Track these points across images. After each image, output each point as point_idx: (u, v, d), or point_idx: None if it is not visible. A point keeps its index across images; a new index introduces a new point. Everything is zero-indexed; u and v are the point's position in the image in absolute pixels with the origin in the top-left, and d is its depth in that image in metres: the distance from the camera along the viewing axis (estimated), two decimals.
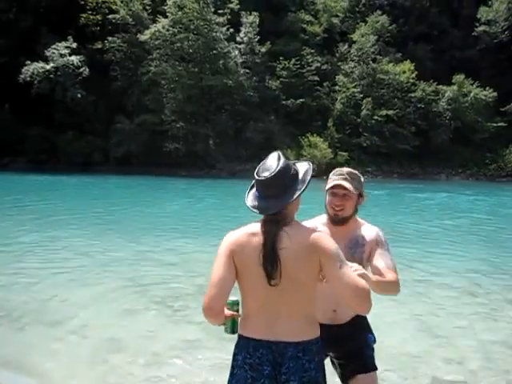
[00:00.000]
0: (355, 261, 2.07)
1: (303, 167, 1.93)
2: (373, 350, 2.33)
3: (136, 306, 5.55)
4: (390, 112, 36.78)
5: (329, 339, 2.10)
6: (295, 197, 1.84)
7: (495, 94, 37.54)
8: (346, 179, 2.27)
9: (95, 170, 31.91)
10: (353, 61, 39.44)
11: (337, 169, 2.38)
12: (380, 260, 2.23)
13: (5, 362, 3.96)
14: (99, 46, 36.34)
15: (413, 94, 38.03)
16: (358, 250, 2.28)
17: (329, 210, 2.33)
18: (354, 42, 39.96)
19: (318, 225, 2.36)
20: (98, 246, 8.93)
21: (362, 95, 37.69)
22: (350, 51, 40.27)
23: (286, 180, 1.84)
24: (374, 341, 2.35)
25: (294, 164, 1.91)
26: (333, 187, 2.29)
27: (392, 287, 2.19)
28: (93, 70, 35.24)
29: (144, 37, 35.73)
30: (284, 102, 38.08)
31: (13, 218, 12.11)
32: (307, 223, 2.28)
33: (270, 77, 38.72)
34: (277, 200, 1.82)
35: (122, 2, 37.32)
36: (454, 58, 41.33)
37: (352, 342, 2.29)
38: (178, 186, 25.01)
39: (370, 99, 37.10)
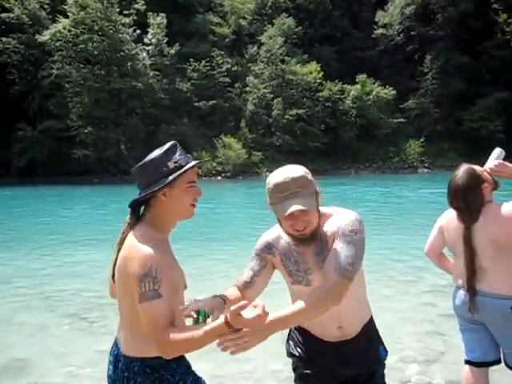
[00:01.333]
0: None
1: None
2: (384, 366, 2.13)
3: (46, 321, 5.15)
4: (300, 111, 37.96)
5: (338, 359, 1.98)
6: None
7: (394, 92, 40.21)
8: (297, 197, 1.74)
9: None
10: (262, 62, 40.18)
11: (277, 181, 1.77)
12: (329, 260, 1.76)
13: None
14: None
15: (320, 94, 39.58)
16: (325, 254, 1.82)
17: (290, 232, 1.87)
18: (263, 44, 40.75)
19: (283, 236, 1.96)
20: None
21: (272, 95, 38.52)
22: (258, 53, 41.00)
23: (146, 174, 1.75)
24: (386, 354, 2.14)
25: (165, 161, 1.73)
26: (288, 217, 1.78)
27: (312, 310, 1.68)
28: None
29: (43, 38, 33.71)
30: (196, 104, 37.85)
31: None
32: (272, 232, 2.00)
33: (181, 79, 38.30)
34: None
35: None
36: (356, 58, 43.72)
37: (364, 360, 2.03)
38: (83, 194, 23.85)
39: (280, 99, 38.02)
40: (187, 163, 1.74)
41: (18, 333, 4.82)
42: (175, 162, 1.72)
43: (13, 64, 34.37)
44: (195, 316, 1.64)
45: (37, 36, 34.07)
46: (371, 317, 2.09)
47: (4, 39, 33.86)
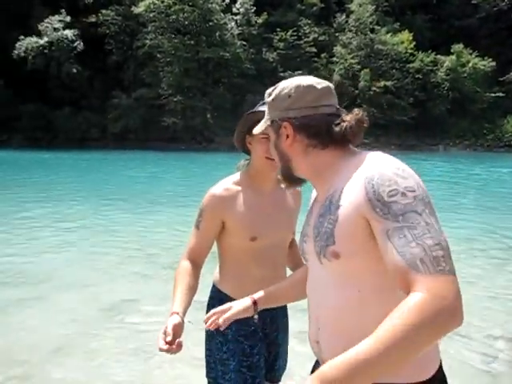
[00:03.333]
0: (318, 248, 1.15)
1: None
2: None
3: (146, 271, 5.72)
4: (388, 83, 36.52)
5: None
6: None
7: (494, 63, 37.24)
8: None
9: (92, 145, 31.83)
10: (350, 31, 38.92)
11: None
12: (385, 251, 1.01)
13: None
14: (93, 20, 35.78)
15: (411, 65, 37.71)
16: (329, 218, 1.14)
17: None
18: (352, 12, 39.33)
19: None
20: (105, 218, 9.08)
21: (359, 66, 37.35)
22: (347, 21, 39.69)
23: None
24: None
25: None
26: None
27: (404, 343, 0.90)
28: (87, 44, 34.77)
29: (138, 9, 35.14)
30: (282, 74, 37.64)
31: (16, 193, 12.23)
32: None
33: (267, 49, 38.27)
34: None
35: None
36: (452, 27, 40.84)
37: None
38: (173, 161, 25.03)
39: (368, 70, 36.79)
40: None
41: (121, 278, 5.42)
42: (253, 110, 1.76)
43: (110, 35, 36.33)
44: None
45: (132, 8, 35.59)
46: None
47: (104, 11, 35.79)
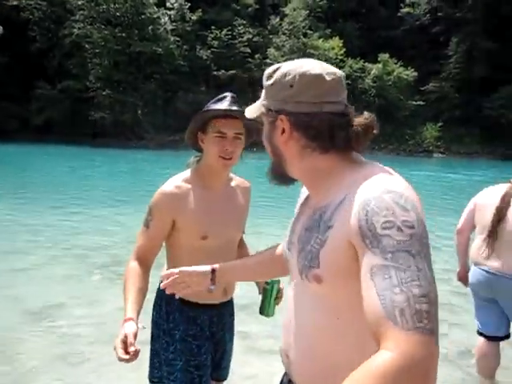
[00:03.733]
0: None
1: None
2: None
3: (75, 272, 5.38)
4: None
5: None
6: None
7: (416, 73, 39.56)
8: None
9: (12, 138, 29.76)
10: (284, 34, 39.60)
11: None
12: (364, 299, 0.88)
13: None
14: (15, 3, 33.53)
15: (341, 71, 38.97)
16: (315, 235, 1.03)
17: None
18: (286, 16, 40.06)
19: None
20: (24, 216, 8.47)
21: None
22: (281, 24, 40.36)
23: None
24: None
25: None
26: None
27: None
28: (7, 28, 32.51)
29: None
30: (215, 73, 37.60)
31: None
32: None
33: (201, 46, 37.98)
34: None
35: None
36: (380, 37, 42.85)
37: None
38: (100, 156, 24.10)
39: None
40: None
41: (48, 281, 5.05)
42: (205, 109, 1.75)
43: (34, 21, 34.26)
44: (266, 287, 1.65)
45: None
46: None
47: None
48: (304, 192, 1.22)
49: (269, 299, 1.65)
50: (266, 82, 1.10)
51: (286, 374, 1.21)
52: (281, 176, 1.15)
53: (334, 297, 1.00)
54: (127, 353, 1.36)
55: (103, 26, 34.24)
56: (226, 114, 1.73)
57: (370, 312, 0.82)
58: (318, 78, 1.03)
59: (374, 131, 1.05)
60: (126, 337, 1.40)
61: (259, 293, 1.81)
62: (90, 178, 15.27)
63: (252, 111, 1.17)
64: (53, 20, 34.79)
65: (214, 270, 1.47)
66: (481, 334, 3.00)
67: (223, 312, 1.95)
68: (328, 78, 1.04)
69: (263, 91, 1.13)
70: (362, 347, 0.86)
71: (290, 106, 1.04)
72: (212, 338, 1.90)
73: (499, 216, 2.77)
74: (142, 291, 1.64)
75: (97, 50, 33.90)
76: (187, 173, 1.85)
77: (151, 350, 1.89)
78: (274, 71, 1.09)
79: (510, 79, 38.09)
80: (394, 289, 0.80)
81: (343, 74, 1.10)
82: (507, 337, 2.97)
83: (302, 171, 1.09)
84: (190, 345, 1.83)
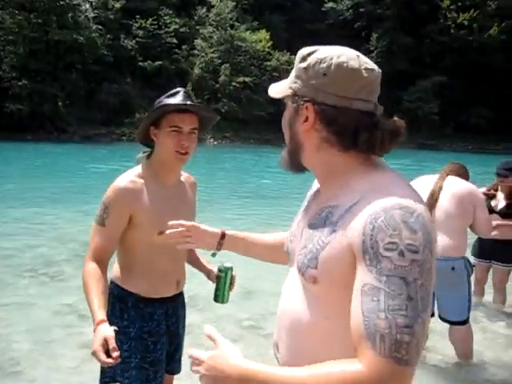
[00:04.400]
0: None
1: None
2: None
3: (3, 275, 4.99)
4: (247, 79, 37.69)
5: None
6: None
7: None
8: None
9: None
10: (211, 25, 39.23)
11: None
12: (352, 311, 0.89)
13: None
14: None
15: (268, 63, 39.43)
16: (318, 235, 1.00)
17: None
18: (213, 7, 39.69)
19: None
20: None
21: (220, 61, 37.89)
22: (208, 15, 39.93)
23: None
24: None
25: None
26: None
27: None
28: None
29: None
30: (141, 64, 36.49)
31: None
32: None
33: (126, 36, 36.67)
34: None
35: None
36: (304, 30, 43.72)
37: None
38: (15, 151, 22.61)
39: (228, 65, 37.50)
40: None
41: None
42: (160, 103, 1.74)
43: None
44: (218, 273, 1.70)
45: None
46: None
47: None
48: (315, 185, 1.18)
49: (223, 286, 1.68)
50: (298, 64, 1.04)
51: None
52: (295, 165, 1.10)
53: (327, 298, 0.97)
54: (109, 357, 1.35)
55: (16, 11, 31.91)
56: (181, 109, 1.72)
57: (354, 327, 0.84)
58: (356, 72, 0.98)
59: (400, 137, 1.00)
60: (105, 340, 1.38)
61: (213, 282, 1.83)
62: (6, 175, 14.23)
63: (277, 91, 1.10)
64: None
65: (223, 235, 1.46)
66: None
67: (177, 304, 1.96)
68: (365, 74, 0.99)
69: (293, 72, 1.06)
70: (347, 352, 0.85)
71: (320, 96, 0.98)
72: (168, 332, 1.91)
73: (430, 202, 2.97)
74: (105, 293, 1.64)
75: (10, 37, 31.56)
76: (138, 168, 1.82)
77: None
78: (309, 54, 1.04)
79: (425, 73, 40.55)
80: (380, 313, 0.81)
81: (380, 71, 1.04)
82: (432, 315, 3.16)
83: (316, 163, 1.05)
84: (145, 342, 1.82)
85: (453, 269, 2.99)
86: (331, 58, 0.99)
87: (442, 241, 2.92)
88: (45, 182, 12.53)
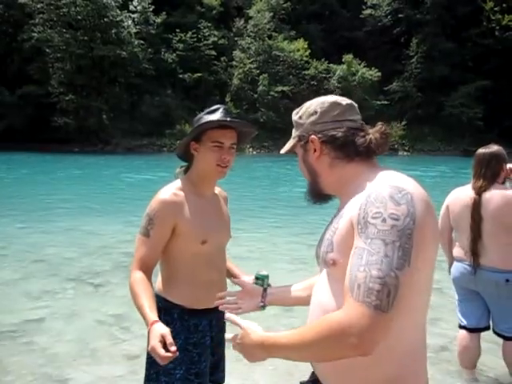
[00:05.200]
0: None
1: None
2: None
3: (50, 286, 5.24)
4: (286, 88, 37.85)
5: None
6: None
7: (379, 73, 40.39)
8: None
9: None
10: (249, 36, 39.73)
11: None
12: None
13: None
14: None
15: (306, 72, 39.48)
16: (333, 224, 1.20)
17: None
18: (250, 18, 40.20)
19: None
20: None
21: (258, 71, 38.25)
22: (246, 27, 40.47)
23: None
24: None
25: None
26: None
27: (310, 345, 1.05)
28: None
29: None
30: (181, 76, 37.35)
31: None
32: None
33: (166, 49, 37.66)
34: None
35: None
36: (343, 38, 43.57)
37: None
38: (65, 163, 23.55)
39: (266, 75, 37.80)
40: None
41: (24, 296, 4.91)
42: (201, 120, 1.83)
43: None
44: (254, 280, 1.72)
45: None
46: None
47: None
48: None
49: None
50: (294, 118, 1.33)
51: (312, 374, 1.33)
52: (318, 194, 1.33)
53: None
54: (168, 351, 1.40)
55: (64, 30, 33.43)
56: (223, 125, 1.81)
57: (344, 284, 1.03)
58: (335, 102, 1.27)
59: (389, 136, 1.23)
60: (163, 337, 1.43)
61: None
62: (51, 186, 14.88)
63: (286, 147, 1.38)
64: (11, 24, 33.75)
65: (265, 289, 1.60)
66: (462, 327, 3.13)
67: (220, 315, 1.94)
68: (343, 102, 1.27)
69: (294, 129, 1.35)
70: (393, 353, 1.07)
71: (318, 127, 1.26)
72: (211, 343, 1.94)
73: (475, 221, 2.90)
74: (154, 297, 1.69)
75: (58, 55, 33.10)
76: (178, 182, 1.90)
77: (147, 361, 1.88)
78: (300, 109, 1.34)
79: (468, 78, 39.43)
80: (360, 267, 1.00)
81: (354, 103, 1.30)
82: (487, 328, 3.10)
83: (334, 180, 1.26)
84: (190, 353, 1.85)
85: (507, 281, 2.93)
86: (316, 102, 1.29)
87: (495, 253, 2.88)
88: (89, 192, 13.04)
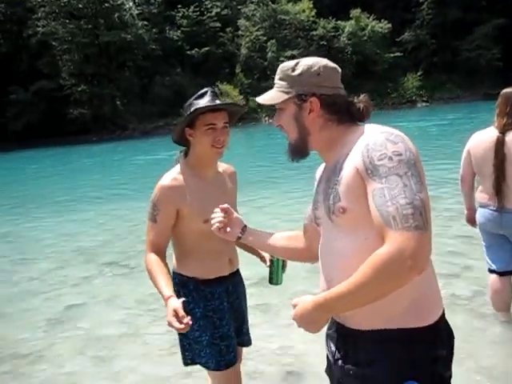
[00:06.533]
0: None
1: None
2: None
3: (87, 272, 5.45)
4: (295, 52, 37.03)
5: (334, 337, 1.39)
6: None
7: (390, 25, 39.12)
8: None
9: None
10: (252, 3, 38.85)
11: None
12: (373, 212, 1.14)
13: None
14: None
15: (314, 32, 38.51)
16: (333, 181, 1.26)
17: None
18: None
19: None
20: (23, 225, 8.48)
21: (265, 38, 37.53)
22: None
23: None
24: None
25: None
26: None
27: (366, 288, 1.11)
28: None
29: None
30: (189, 52, 36.99)
31: None
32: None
33: (171, 27, 37.26)
34: None
35: None
36: None
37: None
38: (86, 153, 23.88)
39: (274, 41, 37.09)
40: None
41: (64, 284, 5.12)
42: (192, 106, 1.91)
43: None
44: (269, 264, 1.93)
45: None
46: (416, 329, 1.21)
47: None
48: (318, 170, 1.47)
49: (277, 269, 1.88)
50: (290, 73, 1.33)
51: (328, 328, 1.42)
52: (303, 152, 1.37)
53: (358, 222, 1.21)
54: (181, 323, 1.59)
55: (67, 21, 33.38)
56: (212, 108, 1.90)
57: (376, 224, 1.12)
58: (335, 69, 1.35)
59: (371, 106, 1.36)
60: (175, 311, 1.61)
61: (266, 265, 2.01)
62: (79, 176, 15.19)
63: (273, 99, 1.36)
64: (14, 21, 33.84)
65: (245, 227, 1.64)
66: (492, 271, 3.14)
67: (235, 281, 2.13)
68: (339, 70, 1.37)
69: (282, 82, 1.34)
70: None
71: (322, 90, 1.31)
72: (231, 308, 2.07)
73: (499, 159, 2.86)
74: (169, 274, 1.86)
75: (65, 46, 33.18)
76: (177, 167, 2.01)
77: (178, 334, 1.99)
78: (296, 64, 1.34)
79: (482, 18, 37.84)
80: (387, 203, 1.09)
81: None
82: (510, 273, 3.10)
83: (324, 140, 1.34)
84: (211, 319, 2.00)
85: None
86: (318, 63, 1.32)
87: None
88: (118, 179, 13.27)
